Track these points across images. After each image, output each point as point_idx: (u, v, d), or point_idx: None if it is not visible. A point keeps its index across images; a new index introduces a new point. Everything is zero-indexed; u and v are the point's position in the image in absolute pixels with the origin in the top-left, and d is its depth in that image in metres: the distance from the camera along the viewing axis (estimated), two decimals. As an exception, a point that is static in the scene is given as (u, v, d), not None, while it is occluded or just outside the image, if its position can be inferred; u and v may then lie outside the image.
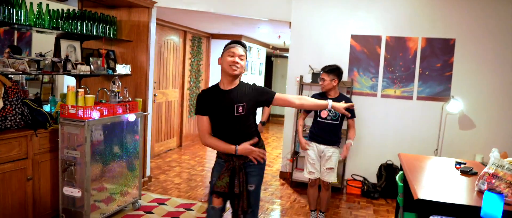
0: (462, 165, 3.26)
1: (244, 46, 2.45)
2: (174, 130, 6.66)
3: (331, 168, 3.61)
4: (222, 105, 2.38)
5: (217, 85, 2.48)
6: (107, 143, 3.35)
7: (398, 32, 4.67)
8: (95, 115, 3.08)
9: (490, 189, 2.50)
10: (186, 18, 5.64)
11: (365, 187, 4.64)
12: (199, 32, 7.03)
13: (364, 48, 4.78)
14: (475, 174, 3.08)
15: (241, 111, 2.37)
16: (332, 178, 3.64)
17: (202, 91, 2.51)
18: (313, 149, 3.65)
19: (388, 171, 4.72)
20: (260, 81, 9.46)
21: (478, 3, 4.44)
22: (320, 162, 3.65)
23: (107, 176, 3.40)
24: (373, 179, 4.85)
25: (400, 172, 3.00)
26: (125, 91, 3.60)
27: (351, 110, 3.66)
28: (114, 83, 3.46)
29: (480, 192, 2.58)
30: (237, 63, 2.37)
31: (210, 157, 6.23)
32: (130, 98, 3.64)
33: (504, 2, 4.37)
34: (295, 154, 4.96)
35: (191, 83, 7.04)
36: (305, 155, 3.72)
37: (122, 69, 4.04)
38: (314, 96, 3.69)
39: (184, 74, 6.75)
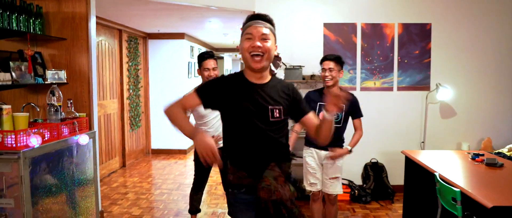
0: (482, 157, 2.95)
1: (269, 21, 1.70)
2: (115, 149, 5.59)
3: (336, 178, 3.04)
4: (251, 104, 1.65)
5: (241, 74, 1.74)
6: (51, 178, 2.39)
7: (374, 19, 4.28)
8: (35, 141, 2.12)
9: None
10: (126, 12, 4.67)
11: (356, 191, 4.17)
12: (135, 31, 6.01)
13: (339, 38, 4.31)
14: (502, 165, 2.77)
15: (277, 115, 1.67)
16: (337, 189, 3.06)
17: (222, 75, 1.79)
18: (313, 156, 3.06)
19: (375, 170, 4.32)
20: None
21: (452, -16, 4.25)
22: (322, 171, 3.07)
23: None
24: (358, 181, 4.41)
25: (436, 174, 2.53)
26: (69, 105, 2.65)
27: (355, 108, 3.12)
28: (53, 95, 2.50)
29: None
30: (259, 48, 1.62)
31: (161, 175, 5.29)
32: (77, 114, 2.69)
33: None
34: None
35: (130, 91, 5.99)
36: (303, 163, 3.11)
37: (55, 76, 3.05)
38: (309, 94, 3.10)
39: (122, 81, 5.69)
